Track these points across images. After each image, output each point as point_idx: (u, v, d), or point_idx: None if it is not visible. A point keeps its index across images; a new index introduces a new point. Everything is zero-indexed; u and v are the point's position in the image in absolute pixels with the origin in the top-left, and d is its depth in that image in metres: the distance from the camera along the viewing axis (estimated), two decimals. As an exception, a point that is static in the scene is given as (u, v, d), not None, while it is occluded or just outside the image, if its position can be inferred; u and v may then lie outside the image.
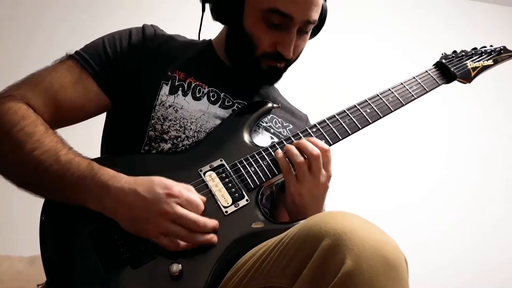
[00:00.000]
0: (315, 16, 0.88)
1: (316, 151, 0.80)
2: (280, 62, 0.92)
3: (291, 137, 0.88)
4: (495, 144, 2.52)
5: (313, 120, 0.94)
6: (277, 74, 0.97)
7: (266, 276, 0.62)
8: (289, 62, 0.95)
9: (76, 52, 0.90)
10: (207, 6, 0.94)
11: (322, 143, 0.83)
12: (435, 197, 2.34)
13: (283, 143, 0.87)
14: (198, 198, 0.74)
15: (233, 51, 0.96)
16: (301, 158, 0.80)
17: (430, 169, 2.40)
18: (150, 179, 0.72)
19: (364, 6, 2.64)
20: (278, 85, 1.15)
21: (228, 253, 0.73)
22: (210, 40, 1.05)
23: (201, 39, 1.06)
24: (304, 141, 0.82)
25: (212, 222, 0.73)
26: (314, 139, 0.84)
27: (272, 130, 0.99)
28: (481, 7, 2.86)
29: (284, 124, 1.03)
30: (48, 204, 0.77)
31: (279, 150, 0.84)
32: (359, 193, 2.20)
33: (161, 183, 0.71)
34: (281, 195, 1.01)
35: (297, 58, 0.98)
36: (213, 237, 0.73)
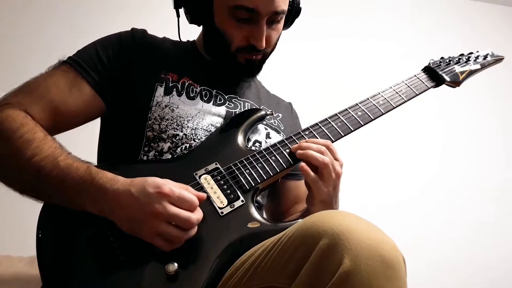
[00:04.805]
0: (282, 6, 0.91)
1: (323, 147, 0.83)
2: (255, 55, 0.95)
3: (284, 140, 0.90)
4: (491, 143, 2.52)
5: (304, 121, 0.96)
6: (255, 67, 1.00)
7: (264, 276, 0.62)
8: (265, 54, 0.99)
9: (69, 57, 0.91)
10: (181, 11, 0.99)
11: (321, 140, 0.86)
12: (433, 196, 2.32)
13: (277, 145, 0.89)
14: (190, 195, 0.71)
15: (211, 49, 1.01)
16: (327, 158, 0.81)
17: (427, 167, 2.38)
18: (144, 179, 0.72)
19: (363, 5, 2.64)
20: (266, 80, 1.18)
21: (225, 253, 0.72)
22: (194, 40, 1.09)
23: (185, 39, 1.09)
24: (309, 144, 0.84)
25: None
26: (312, 139, 0.86)
27: (264, 122, 1.02)
28: (481, 7, 2.86)
29: (274, 115, 1.07)
30: (45, 210, 0.76)
31: (303, 164, 0.82)
32: (357, 191, 2.19)
33: (153, 182, 0.70)
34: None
35: (273, 48, 1.01)
36: None
